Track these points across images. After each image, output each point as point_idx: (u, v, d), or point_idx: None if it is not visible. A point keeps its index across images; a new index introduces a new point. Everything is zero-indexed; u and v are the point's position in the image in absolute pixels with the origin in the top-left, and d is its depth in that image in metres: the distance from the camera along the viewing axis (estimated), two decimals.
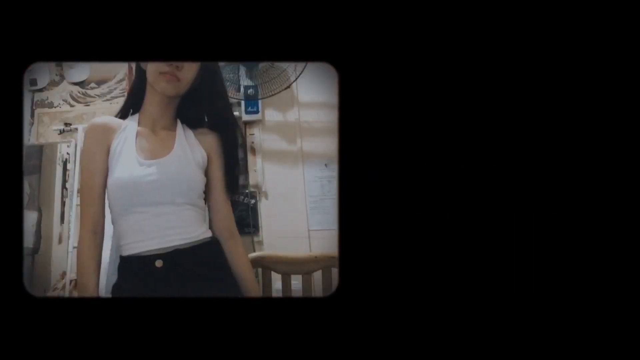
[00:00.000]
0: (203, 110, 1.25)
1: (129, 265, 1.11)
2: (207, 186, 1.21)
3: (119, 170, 1.11)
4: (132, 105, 1.24)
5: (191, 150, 1.18)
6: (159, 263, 1.08)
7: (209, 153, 1.22)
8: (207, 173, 1.21)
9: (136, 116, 1.21)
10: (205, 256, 1.14)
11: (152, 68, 1.14)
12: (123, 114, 1.24)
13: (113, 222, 1.15)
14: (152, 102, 1.19)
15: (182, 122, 1.23)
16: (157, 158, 1.13)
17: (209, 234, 1.17)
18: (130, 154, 1.13)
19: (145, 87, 1.19)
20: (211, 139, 1.23)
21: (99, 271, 1.12)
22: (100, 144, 1.14)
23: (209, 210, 1.22)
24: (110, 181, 1.12)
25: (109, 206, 1.14)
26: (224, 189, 1.23)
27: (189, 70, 1.14)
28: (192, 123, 1.24)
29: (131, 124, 1.18)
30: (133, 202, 1.10)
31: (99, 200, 1.14)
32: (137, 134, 1.16)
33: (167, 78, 1.12)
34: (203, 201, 1.19)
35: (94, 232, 1.12)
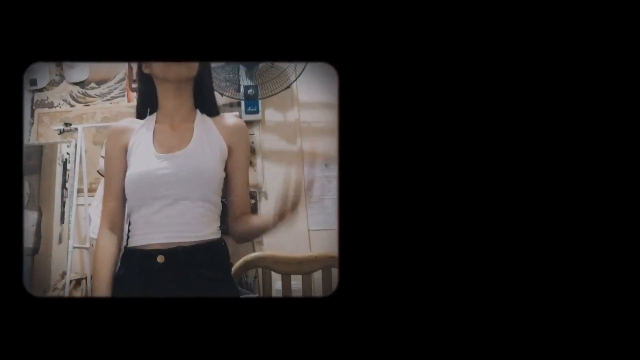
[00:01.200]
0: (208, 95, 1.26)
1: (132, 257, 1.13)
2: (227, 179, 1.20)
3: (135, 164, 1.14)
4: (147, 107, 1.25)
5: (210, 143, 1.17)
6: (160, 258, 1.09)
7: (230, 144, 1.19)
8: (227, 165, 1.19)
9: (154, 115, 1.22)
10: (208, 256, 1.13)
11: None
12: (141, 117, 1.26)
13: (128, 216, 1.18)
14: (166, 96, 1.19)
15: (202, 112, 1.22)
16: (173, 152, 1.14)
17: (218, 234, 1.16)
18: (147, 148, 1.15)
19: (155, 88, 1.21)
20: (232, 128, 1.22)
21: (114, 268, 1.14)
22: (118, 146, 1.18)
23: (229, 203, 1.22)
24: (127, 175, 1.15)
25: (128, 197, 1.17)
26: (243, 183, 1.22)
27: None
28: (211, 111, 1.24)
29: (149, 122, 1.20)
30: (146, 195, 1.11)
31: (117, 199, 1.17)
32: (155, 130, 1.18)
33: None
34: (219, 198, 1.17)
35: (111, 229, 1.16)
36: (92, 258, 1.20)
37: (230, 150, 1.19)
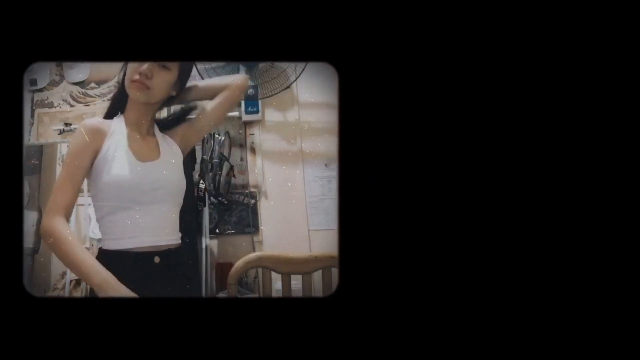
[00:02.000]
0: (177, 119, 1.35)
1: (123, 260, 1.13)
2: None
3: (118, 168, 1.15)
4: (118, 109, 1.27)
5: (173, 153, 1.25)
6: (157, 259, 1.14)
7: (181, 144, 1.29)
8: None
9: (122, 118, 1.24)
10: (185, 257, 1.25)
11: (127, 75, 1.19)
12: (110, 116, 1.28)
13: (101, 218, 1.18)
14: (131, 108, 1.24)
15: (157, 125, 1.29)
16: (151, 160, 1.20)
17: (180, 239, 1.25)
18: (126, 155, 1.17)
19: (127, 97, 1.24)
20: (182, 134, 1.31)
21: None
22: (89, 145, 1.18)
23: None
24: (108, 178, 1.15)
25: (103, 201, 1.18)
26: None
27: (160, 79, 1.19)
28: (165, 125, 1.31)
29: (120, 126, 1.22)
30: (131, 199, 1.14)
31: (74, 193, 1.19)
32: (128, 137, 1.21)
33: (137, 86, 1.17)
34: (182, 202, 1.26)
35: (67, 217, 1.16)
36: (67, 250, 1.09)
37: (183, 150, 1.30)
